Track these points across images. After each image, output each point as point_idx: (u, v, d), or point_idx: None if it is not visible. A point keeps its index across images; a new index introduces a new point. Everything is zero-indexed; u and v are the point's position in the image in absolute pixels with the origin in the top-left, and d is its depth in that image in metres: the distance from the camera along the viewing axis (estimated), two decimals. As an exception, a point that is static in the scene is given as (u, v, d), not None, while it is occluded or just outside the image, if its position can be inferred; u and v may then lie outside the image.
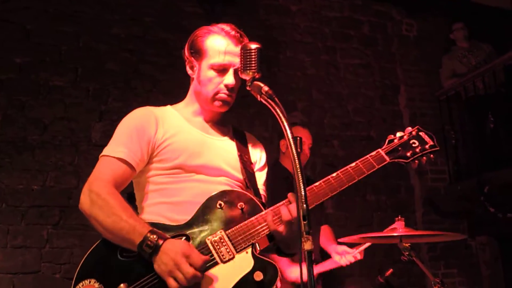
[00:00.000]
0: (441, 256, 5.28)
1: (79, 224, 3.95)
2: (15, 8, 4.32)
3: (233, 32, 1.96)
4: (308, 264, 1.36)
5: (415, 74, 5.73)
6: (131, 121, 1.93)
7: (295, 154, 1.45)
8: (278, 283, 1.71)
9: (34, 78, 4.26)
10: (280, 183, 3.22)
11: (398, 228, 2.82)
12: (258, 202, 1.84)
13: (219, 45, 1.93)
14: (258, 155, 2.11)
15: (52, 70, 4.31)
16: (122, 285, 1.64)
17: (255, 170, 2.06)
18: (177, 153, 1.88)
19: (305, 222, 1.37)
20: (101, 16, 4.56)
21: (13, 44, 4.27)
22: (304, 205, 1.39)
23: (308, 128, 3.75)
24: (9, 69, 4.21)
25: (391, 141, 1.97)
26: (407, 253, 2.76)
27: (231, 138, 2.07)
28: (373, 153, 1.92)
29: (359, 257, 3.31)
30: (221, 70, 1.92)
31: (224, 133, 2.06)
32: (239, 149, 2.03)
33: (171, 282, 1.62)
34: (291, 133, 1.51)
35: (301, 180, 1.42)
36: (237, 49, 1.90)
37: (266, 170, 2.11)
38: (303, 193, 1.40)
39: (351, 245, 3.35)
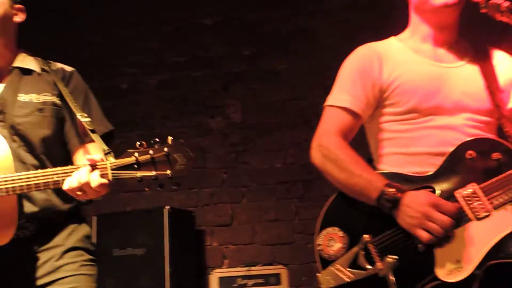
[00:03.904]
0: None
1: (322, 195, 4.11)
2: (235, 4, 4.70)
3: None
4: None
5: None
6: (352, 64, 1.82)
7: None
8: None
9: (262, 66, 4.58)
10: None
11: None
12: None
13: None
14: (509, 75, 1.76)
15: (275, 55, 4.58)
16: (366, 235, 1.61)
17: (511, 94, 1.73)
18: (408, 95, 1.71)
19: None
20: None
21: (239, 39, 4.66)
22: None
23: None
24: (240, 62, 4.62)
25: None
26: None
27: (472, 61, 1.78)
28: None
29: None
30: None
31: (461, 56, 1.78)
32: (484, 74, 1.74)
33: (422, 234, 1.52)
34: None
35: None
36: None
37: None
38: None
39: None
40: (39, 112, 1.73)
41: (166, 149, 1.45)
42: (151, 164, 1.45)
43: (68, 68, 1.89)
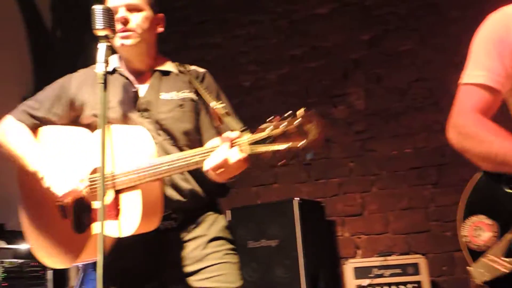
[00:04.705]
0: None
1: (458, 180, 3.88)
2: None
3: None
4: None
5: None
6: (485, 34, 1.65)
7: None
8: None
9: (383, 50, 4.43)
10: None
11: None
12: None
13: None
14: None
15: (397, 37, 4.40)
16: None
17: None
18: None
19: None
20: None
21: (357, 23, 4.55)
22: None
23: None
24: (359, 48, 4.52)
25: None
26: None
27: None
28: None
29: None
30: None
31: None
32: None
33: None
34: None
35: None
36: None
37: None
38: None
39: None
40: (180, 107, 1.87)
41: (298, 120, 1.46)
42: (285, 136, 1.47)
43: (201, 70, 2.02)
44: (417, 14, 4.36)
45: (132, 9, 1.84)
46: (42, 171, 1.76)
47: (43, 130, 1.92)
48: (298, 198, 3.82)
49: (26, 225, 1.96)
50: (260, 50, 4.94)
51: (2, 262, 4.20)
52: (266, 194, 4.61)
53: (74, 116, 1.92)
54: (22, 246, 4.42)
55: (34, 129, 1.91)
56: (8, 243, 4.34)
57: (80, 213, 1.72)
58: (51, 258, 1.89)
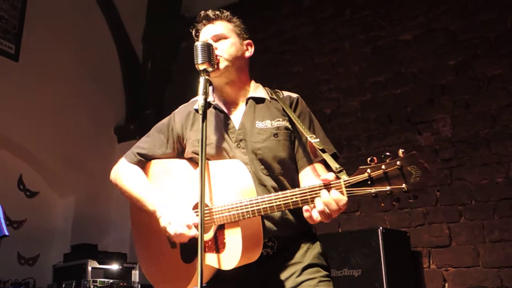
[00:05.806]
0: None
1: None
2: (436, 15, 4.52)
3: None
4: None
5: None
6: None
7: None
8: None
9: (471, 74, 4.28)
10: None
11: None
12: None
13: None
14: None
15: (486, 61, 4.23)
16: None
17: None
18: None
19: None
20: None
21: (444, 49, 4.44)
22: None
23: None
24: (446, 73, 4.39)
25: None
26: None
27: None
28: None
29: None
30: None
31: None
32: None
33: None
34: None
35: None
36: None
37: None
38: None
39: None
40: (275, 137, 1.89)
41: (398, 162, 1.43)
42: (385, 179, 1.45)
43: (293, 95, 2.04)
44: (507, 37, 4.19)
45: (219, 38, 1.94)
46: (159, 212, 1.83)
47: (153, 162, 2.03)
48: (382, 227, 3.72)
49: (138, 251, 2.06)
50: (342, 77, 4.95)
51: (95, 282, 4.44)
52: (348, 222, 4.54)
53: (180, 150, 2.02)
54: (113, 267, 4.66)
55: (145, 164, 2.04)
56: (100, 263, 4.58)
57: (187, 244, 1.79)
58: (162, 285, 1.95)
